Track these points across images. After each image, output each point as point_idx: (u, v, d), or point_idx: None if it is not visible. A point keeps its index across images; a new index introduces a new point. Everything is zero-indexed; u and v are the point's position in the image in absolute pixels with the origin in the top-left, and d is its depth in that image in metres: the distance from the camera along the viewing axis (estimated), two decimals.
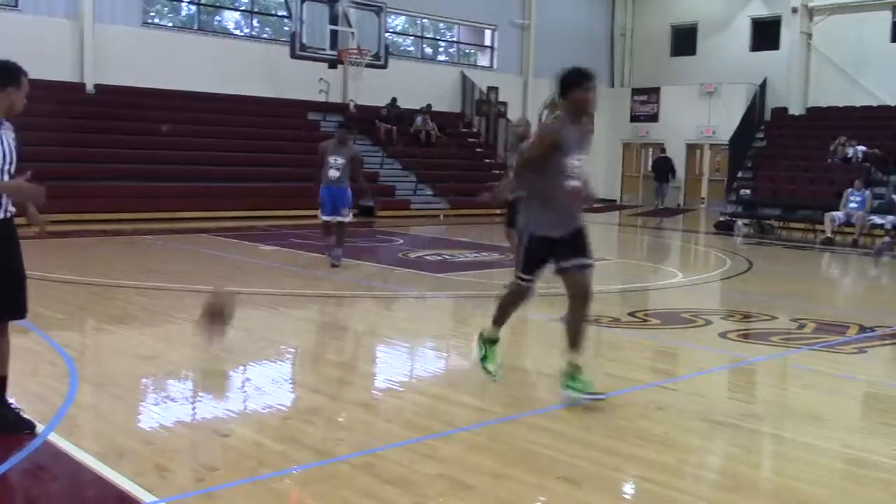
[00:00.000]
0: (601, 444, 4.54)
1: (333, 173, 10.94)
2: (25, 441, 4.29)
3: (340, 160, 10.96)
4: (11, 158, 4.31)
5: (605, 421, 4.97)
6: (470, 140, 27.06)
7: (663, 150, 28.68)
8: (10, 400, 4.50)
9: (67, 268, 10.23)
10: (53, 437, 4.37)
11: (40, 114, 16.53)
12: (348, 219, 11.26)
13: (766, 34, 28.57)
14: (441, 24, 29.69)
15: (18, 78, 4.33)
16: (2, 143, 4.28)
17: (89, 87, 20.53)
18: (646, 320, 8.40)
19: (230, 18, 25.93)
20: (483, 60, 30.02)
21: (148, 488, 3.75)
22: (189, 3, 24.13)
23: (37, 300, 5.37)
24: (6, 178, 4.29)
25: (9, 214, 4.34)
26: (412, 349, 7.09)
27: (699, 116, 28.63)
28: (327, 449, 4.42)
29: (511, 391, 5.66)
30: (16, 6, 20.02)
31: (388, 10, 24.14)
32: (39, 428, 4.43)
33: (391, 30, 27.04)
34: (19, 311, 4.46)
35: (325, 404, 5.27)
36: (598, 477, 4.11)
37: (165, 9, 24.52)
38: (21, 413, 4.48)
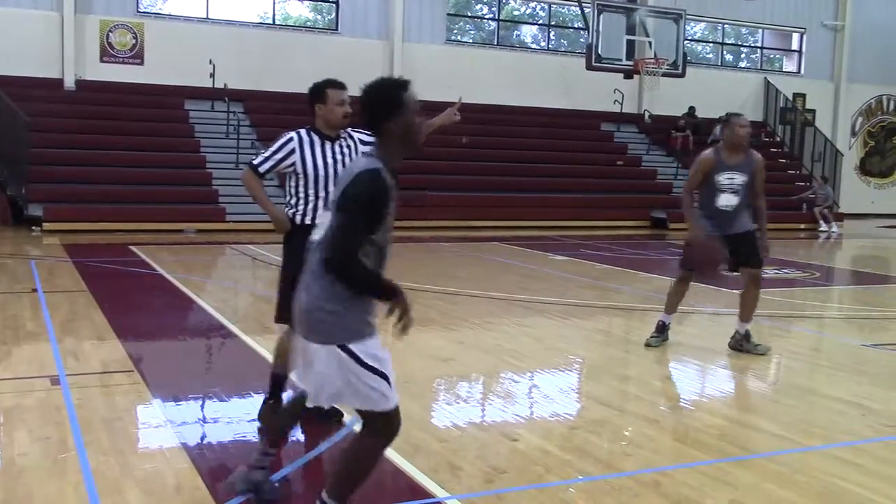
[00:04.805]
0: None
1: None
2: (334, 429, 4.67)
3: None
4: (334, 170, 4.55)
5: None
6: (772, 150, 25.61)
7: None
8: None
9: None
10: (357, 427, 4.69)
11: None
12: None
13: None
14: (743, 29, 28.40)
15: (322, 94, 4.56)
16: (334, 154, 4.57)
17: None
18: None
19: (528, 33, 26.61)
20: (789, 66, 28.33)
21: (440, 484, 3.93)
22: (489, 19, 25.07)
23: None
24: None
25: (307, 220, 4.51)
26: (703, 367, 6.82)
27: None
28: (613, 462, 4.37)
29: (814, 419, 5.28)
30: (336, 30, 21.96)
31: (688, 17, 23.46)
32: (347, 418, 4.79)
33: (689, 37, 26.29)
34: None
35: (612, 417, 5.21)
36: None
37: (468, 26, 25.68)
38: None
